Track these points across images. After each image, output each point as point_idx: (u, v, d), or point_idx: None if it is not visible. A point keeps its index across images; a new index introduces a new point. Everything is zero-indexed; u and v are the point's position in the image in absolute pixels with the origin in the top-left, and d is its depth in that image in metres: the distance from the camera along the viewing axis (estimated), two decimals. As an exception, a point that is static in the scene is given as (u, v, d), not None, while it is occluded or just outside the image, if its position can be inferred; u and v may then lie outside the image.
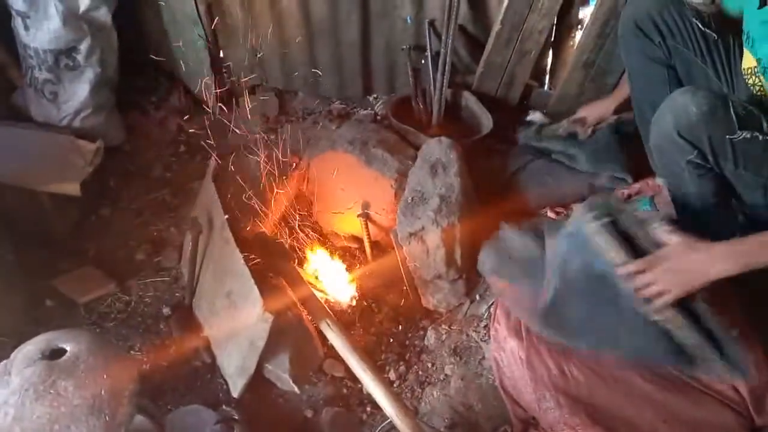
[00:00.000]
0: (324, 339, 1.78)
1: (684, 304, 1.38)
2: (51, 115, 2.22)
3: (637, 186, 2.08)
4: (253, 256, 1.81)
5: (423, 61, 2.47)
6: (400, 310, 2.00)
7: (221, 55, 2.54)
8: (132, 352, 1.83)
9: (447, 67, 2.29)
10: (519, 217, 1.96)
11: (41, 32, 2.08)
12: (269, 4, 2.37)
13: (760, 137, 1.43)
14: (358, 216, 2.08)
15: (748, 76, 1.63)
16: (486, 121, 2.34)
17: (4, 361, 1.14)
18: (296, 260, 2.03)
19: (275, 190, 2.10)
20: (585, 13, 2.31)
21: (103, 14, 2.17)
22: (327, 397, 1.75)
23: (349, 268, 2.07)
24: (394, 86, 2.65)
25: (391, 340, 1.91)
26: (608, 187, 2.12)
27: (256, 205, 2.06)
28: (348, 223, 2.16)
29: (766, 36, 1.51)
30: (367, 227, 2.08)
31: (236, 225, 1.88)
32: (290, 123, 2.59)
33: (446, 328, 1.92)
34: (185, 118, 2.57)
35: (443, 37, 2.27)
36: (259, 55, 2.48)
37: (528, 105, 2.57)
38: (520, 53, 2.34)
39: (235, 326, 1.71)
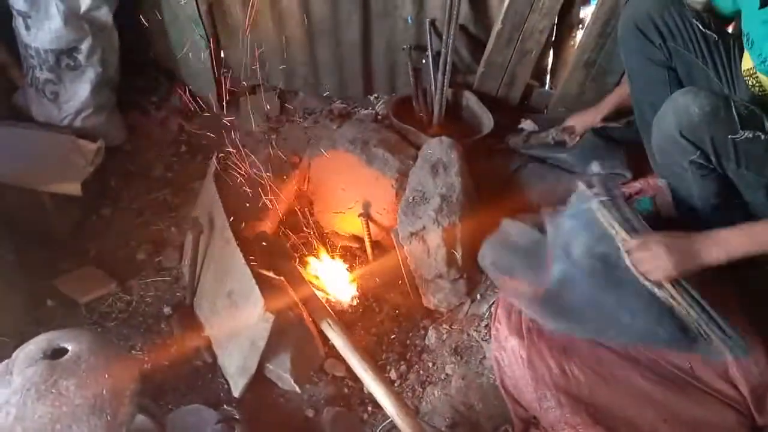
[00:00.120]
0: (325, 339, 1.79)
1: (681, 284, 1.45)
2: (52, 115, 2.22)
3: (637, 185, 2.08)
4: (253, 256, 1.81)
5: (424, 61, 2.47)
6: (400, 309, 2.00)
7: (222, 55, 2.54)
8: (133, 351, 1.83)
9: (448, 67, 2.29)
10: (520, 216, 1.97)
11: (42, 32, 2.08)
12: (270, 4, 2.37)
13: (762, 137, 1.43)
14: (359, 216, 2.08)
15: (748, 77, 1.63)
16: (487, 120, 2.34)
17: (6, 361, 1.14)
18: (297, 260, 2.03)
19: (276, 189, 2.10)
20: (586, 13, 2.31)
21: (104, 14, 2.17)
22: (328, 396, 1.75)
23: (350, 268, 2.07)
24: (395, 86, 2.65)
25: (392, 340, 1.91)
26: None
27: (257, 205, 2.06)
28: (349, 223, 2.16)
29: (766, 36, 1.51)
30: (368, 227, 2.08)
31: (237, 225, 1.89)
32: (291, 123, 2.59)
33: (447, 327, 1.92)
34: (186, 118, 2.57)
35: (444, 37, 2.27)
36: (259, 53, 2.48)
37: (529, 105, 2.57)
38: (521, 53, 2.34)
39: (236, 326, 1.71)
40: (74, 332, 1.20)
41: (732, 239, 1.41)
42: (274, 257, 1.93)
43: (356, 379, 1.71)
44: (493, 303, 1.88)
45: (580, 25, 2.35)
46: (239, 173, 2.12)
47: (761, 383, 1.54)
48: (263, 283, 1.67)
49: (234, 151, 2.15)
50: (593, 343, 1.65)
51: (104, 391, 1.10)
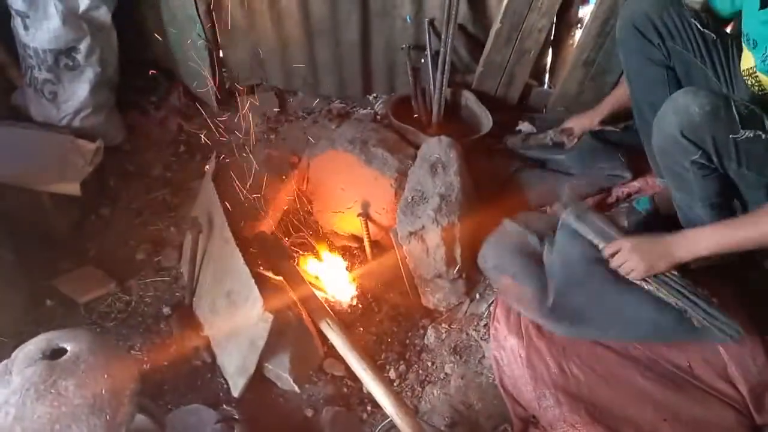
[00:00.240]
0: (324, 338, 1.79)
1: (659, 278, 1.58)
2: (51, 115, 2.21)
3: (637, 185, 2.08)
4: (253, 255, 1.81)
5: (423, 61, 2.47)
6: (400, 309, 2.00)
7: (221, 54, 2.54)
8: (132, 351, 1.83)
9: (447, 67, 2.29)
10: (521, 215, 1.97)
11: (41, 32, 2.07)
12: (269, 4, 2.37)
13: (763, 136, 1.43)
14: (358, 215, 2.08)
15: (747, 77, 1.63)
16: (486, 120, 2.34)
17: (5, 361, 1.14)
18: (296, 259, 2.03)
19: (275, 189, 2.10)
20: (585, 12, 2.31)
21: (103, 14, 2.16)
22: (327, 396, 1.75)
23: (349, 268, 2.07)
24: (394, 85, 2.65)
25: (392, 339, 1.91)
26: (608, 184, 2.13)
27: (256, 205, 2.06)
28: (348, 223, 2.16)
29: (766, 36, 1.51)
30: (367, 226, 2.08)
31: (236, 224, 1.88)
32: (290, 122, 2.59)
33: (446, 327, 1.92)
34: (185, 117, 2.56)
35: (443, 37, 2.27)
36: (258, 53, 2.47)
37: (528, 104, 2.57)
38: (519, 52, 2.34)
39: (236, 326, 1.71)
40: (73, 332, 1.20)
41: (700, 239, 1.50)
42: (273, 257, 1.93)
43: (355, 378, 1.71)
44: (492, 302, 1.88)
45: (579, 25, 2.35)
46: (238, 173, 2.12)
47: (760, 382, 1.55)
48: (262, 283, 1.67)
49: (233, 150, 2.15)
50: (592, 342, 1.66)
51: (103, 391, 1.10)
